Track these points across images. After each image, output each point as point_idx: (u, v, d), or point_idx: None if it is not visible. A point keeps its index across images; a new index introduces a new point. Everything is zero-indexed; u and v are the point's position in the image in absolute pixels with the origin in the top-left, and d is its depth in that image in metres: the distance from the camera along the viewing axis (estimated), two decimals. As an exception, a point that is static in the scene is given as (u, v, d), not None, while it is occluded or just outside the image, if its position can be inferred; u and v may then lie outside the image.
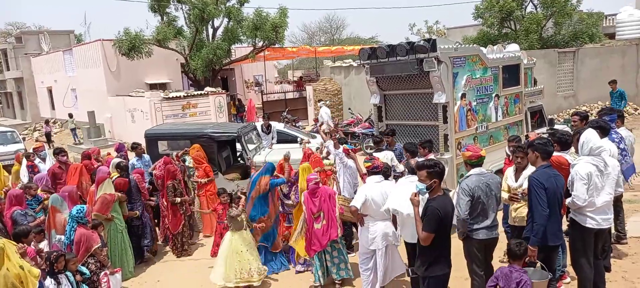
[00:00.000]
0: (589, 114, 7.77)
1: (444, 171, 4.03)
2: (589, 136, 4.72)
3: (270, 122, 11.83)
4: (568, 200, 4.63)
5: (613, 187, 4.72)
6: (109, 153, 9.11)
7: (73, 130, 20.39)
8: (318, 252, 5.70)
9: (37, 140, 20.70)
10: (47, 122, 22.89)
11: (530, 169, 4.87)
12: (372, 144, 10.35)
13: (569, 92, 17.41)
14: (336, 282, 5.86)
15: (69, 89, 24.51)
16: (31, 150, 9.71)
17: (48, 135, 20.78)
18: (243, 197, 6.36)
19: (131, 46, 18.12)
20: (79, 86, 23.54)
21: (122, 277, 5.96)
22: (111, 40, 19.46)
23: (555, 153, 5.25)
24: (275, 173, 6.61)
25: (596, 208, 4.61)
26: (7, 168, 10.27)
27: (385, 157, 6.82)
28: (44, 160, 9.32)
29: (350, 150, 7.21)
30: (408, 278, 5.77)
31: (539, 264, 4.33)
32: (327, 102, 18.63)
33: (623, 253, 6.04)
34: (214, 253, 6.57)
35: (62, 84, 25.13)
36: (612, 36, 20.58)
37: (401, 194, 4.75)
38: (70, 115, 21.41)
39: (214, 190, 7.72)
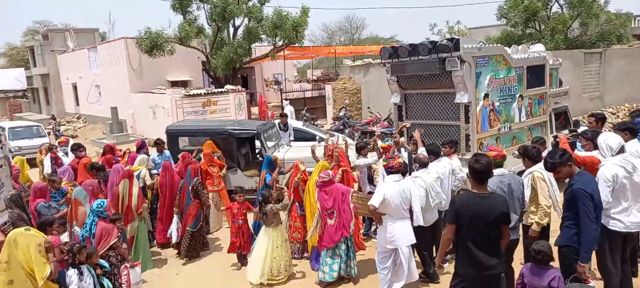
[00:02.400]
0: (606, 116, 7.43)
1: (478, 170, 3.82)
2: (606, 135, 4.62)
3: (288, 120, 11.87)
4: None
5: None
6: (128, 149, 9.23)
7: (57, 131, 20.73)
8: (333, 249, 5.74)
9: (61, 135, 21.22)
10: (53, 117, 23.51)
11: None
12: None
13: (595, 93, 16.96)
14: (345, 277, 5.92)
15: (93, 85, 25.00)
16: (56, 143, 9.93)
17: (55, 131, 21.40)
18: (285, 190, 6.41)
19: (153, 44, 18.39)
20: (103, 83, 23.99)
21: (142, 270, 6.05)
22: (134, 38, 19.78)
23: (588, 154, 5.11)
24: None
25: (623, 211, 4.43)
26: (31, 161, 10.53)
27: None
28: (66, 154, 9.53)
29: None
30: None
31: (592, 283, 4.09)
32: (346, 101, 18.60)
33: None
34: (231, 251, 6.58)
35: (87, 80, 25.65)
36: (641, 37, 19.99)
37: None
38: (53, 117, 22.52)
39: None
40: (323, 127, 16.54)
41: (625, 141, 5.14)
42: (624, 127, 5.47)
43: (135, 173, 7.13)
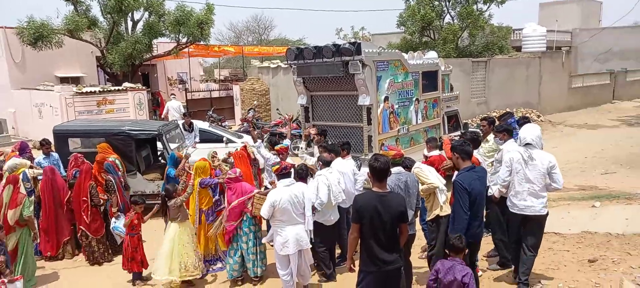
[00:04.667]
0: (495, 119, 8.32)
1: (377, 168, 3.95)
2: (524, 128, 5.14)
3: (192, 120, 11.46)
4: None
5: (538, 179, 4.85)
6: (12, 151, 8.25)
7: None
8: (234, 247, 5.72)
9: None
10: None
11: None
12: (301, 146, 10.30)
13: (482, 99, 18.72)
14: (253, 279, 5.83)
15: (-36, 80, 21.93)
16: None
17: None
18: (182, 185, 6.17)
19: (38, 35, 16.61)
20: (-24, 77, 21.15)
21: (28, 285, 5.49)
22: (16, 28, 17.72)
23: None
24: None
25: (516, 194, 4.93)
26: None
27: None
28: None
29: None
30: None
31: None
32: (255, 102, 18.44)
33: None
34: (126, 267, 6.02)
35: (-45, 74, 22.43)
36: (518, 49, 22.46)
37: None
38: None
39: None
40: (231, 128, 16.23)
41: (505, 141, 5.78)
42: (501, 129, 6.09)
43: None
